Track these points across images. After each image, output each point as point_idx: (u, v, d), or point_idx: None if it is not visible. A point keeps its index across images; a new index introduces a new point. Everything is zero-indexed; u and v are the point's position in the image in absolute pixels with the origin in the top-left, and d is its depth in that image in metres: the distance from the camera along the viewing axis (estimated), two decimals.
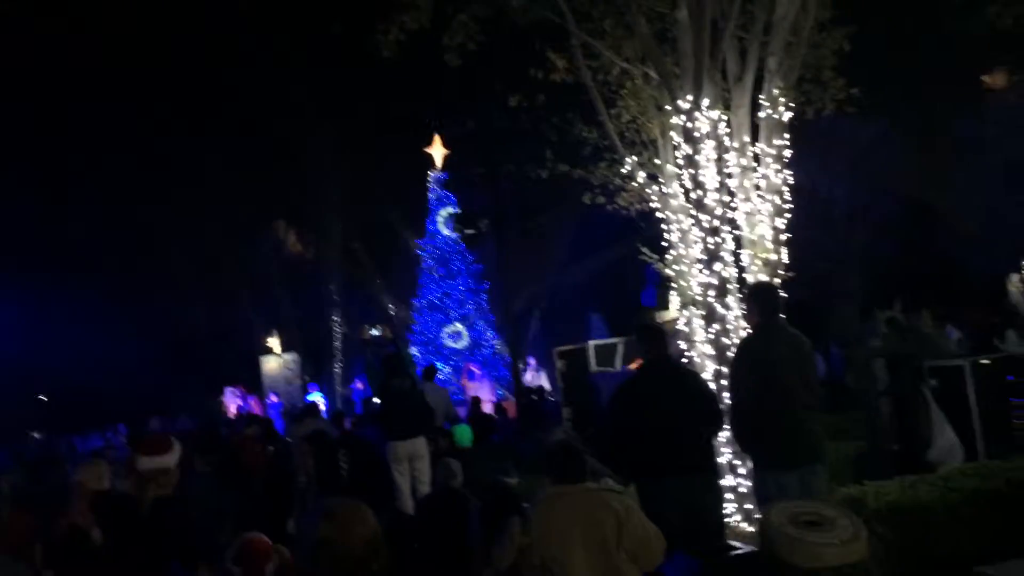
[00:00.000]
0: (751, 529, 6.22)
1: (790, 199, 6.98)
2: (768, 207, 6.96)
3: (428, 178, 20.21)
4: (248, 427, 10.06)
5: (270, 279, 24.81)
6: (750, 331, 5.42)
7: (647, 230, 8.02)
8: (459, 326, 19.61)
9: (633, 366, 9.39)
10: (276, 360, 22.03)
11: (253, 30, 17.88)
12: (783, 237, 6.93)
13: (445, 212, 20.00)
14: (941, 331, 11.50)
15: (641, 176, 7.50)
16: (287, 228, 31.85)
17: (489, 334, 19.86)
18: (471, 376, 16.63)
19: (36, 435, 18.24)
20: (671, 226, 7.43)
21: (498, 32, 7.89)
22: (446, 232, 19.95)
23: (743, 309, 6.64)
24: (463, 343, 19.46)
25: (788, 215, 6.96)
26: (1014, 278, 24.64)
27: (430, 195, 20.24)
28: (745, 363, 5.20)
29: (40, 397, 25.16)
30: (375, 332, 10.18)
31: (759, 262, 6.81)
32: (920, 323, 10.18)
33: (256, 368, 21.42)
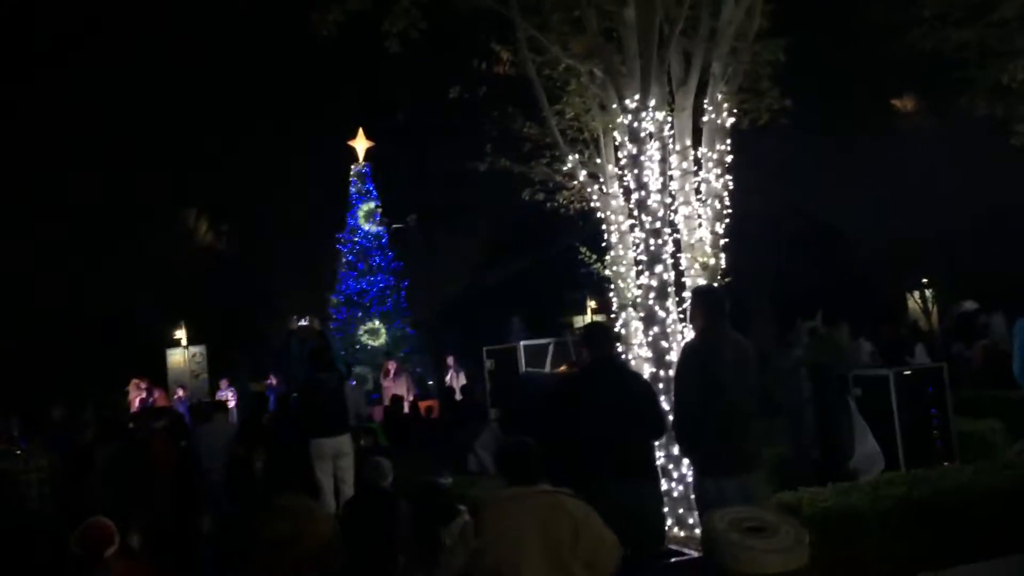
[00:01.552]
0: (683, 535, 6.19)
1: (729, 204, 7.00)
2: (708, 211, 6.97)
3: (351, 171, 19.76)
4: (157, 421, 9.54)
5: (177, 268, 23.89)
6: (694, 335, 5.37)
7: (584, 231, 7.94)
8: (377, 323, 19.25)
9: (562, 369, 9.31)
10: (182, 353, 21.18)
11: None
12: (722, 242, 6.94)
13: (366, 207, 19.61)
14: (856, 343, 11.83)
15: (582, 175, 7.41)
16: (198, 217, 30.75)
17: (408, 332, 19.56)
18: (388, 375, 16.31)
19: None
20: (610, 227, 7.36)
21: (441, 20, 7.68)
22: (367, 227, 19.55)
23: (682, 313, 6.63)
24: (381, 341, 19.10)
25: (728, 220, 6.97)
26: (916, 294, 25.81)
27: (351, 189, 19.80)
28: (690, 367, 5.14)
29: None
30: (303, 322, 9.82)
31: (698, 266, 6.80)
32: (840, 335, 10.43)
33: (161, 360, 20.56)
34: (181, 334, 22.37)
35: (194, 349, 21.34)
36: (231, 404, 14.98)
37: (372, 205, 19.57)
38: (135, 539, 6.35)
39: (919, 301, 25.57)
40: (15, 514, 8.89)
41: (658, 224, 6.53)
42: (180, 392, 17.62)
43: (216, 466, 7.66)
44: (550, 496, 3.48)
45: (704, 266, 6.79)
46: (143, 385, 16.04)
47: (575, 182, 7.51)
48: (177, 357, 21.14)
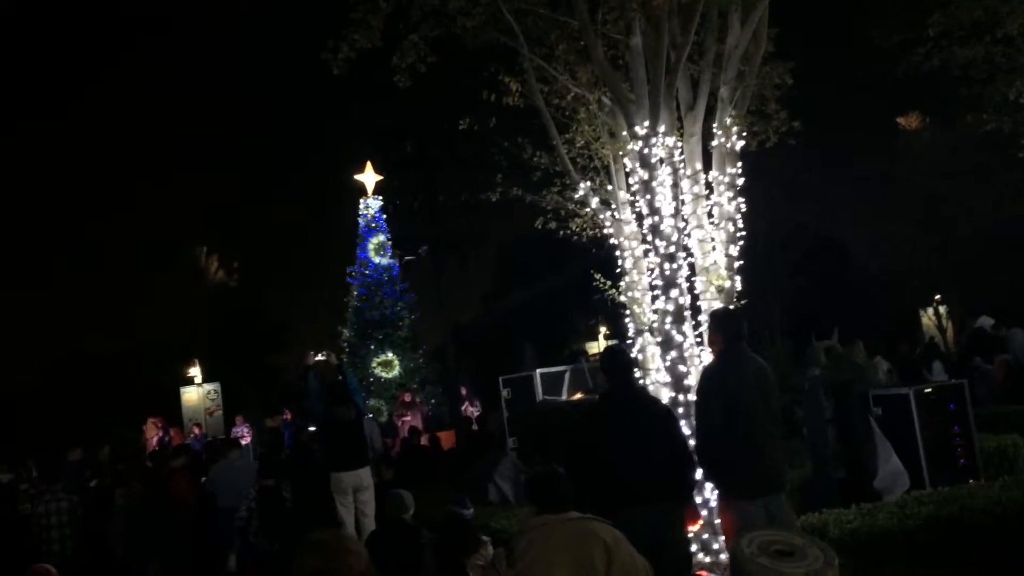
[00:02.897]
0: (708, 560, 6.13)
1: (743, 226, 7.01)
2: (721, 234, 6.98)
3: (360, 205, 19.90)
4: (176, 459, 9.56)
5: (189, 306, 24.09)
6: (713, 358, 5.36)
7: (597, 257, 7.96)
8: (391, 355, 19.26)
9: (577, 397, 9.30)
10: (197, 390, 21.23)
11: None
12: (736, 264, 6.95)
13: (376, 240, 19.71)
14: (871, 362, 11.77)
15: (594, 202, 7.45)
16: (208, 255, 30.98)
17: (421, 363, 19.57)
18: (404, 406, 16.28)
19: None
20: (624, 253, 7.38)
21: (449, 54, 7.77)
22: (377, 260, 19.64)
23: (699, 336, 6.62)
24: (394, 372, 19.10)
25: (741, 242, 6.98)
26: (928, 311, 25.68)
27: (361, 222, 19.92)
28: (710, 390, 5.13)
29: None
30: (320, 357, 9.83)
31: (713, 289, 6.80)
32: (855, 353, 10.39)
33: (176, 399, 20.62)
34: (195, 371, 22.45)
35: (208, 386, 21.40)
36: (246, 440, 14.97)
37: (382, 238, 19.68)
38: None
39: (933, 318, 25.45)
40: (38, 557, 8.88)
41: (672, 248, 6.54)
42: (196, 430, 17.64)
43: (234, 502, 7.65)
44: (581, 522, 3.48)
45: (720, 289, 6.78)
46: (159, 424, 16.08)
47: (587, 209, 7.54)
48: (192, 395, 21.18)
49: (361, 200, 19.86)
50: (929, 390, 7.32)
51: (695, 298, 6.85)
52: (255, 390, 23.30)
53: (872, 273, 27.56)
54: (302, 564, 2.44)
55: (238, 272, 28.45)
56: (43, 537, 8.92)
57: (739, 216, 7.03)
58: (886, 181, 25.13)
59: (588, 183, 7.45)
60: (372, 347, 19.31)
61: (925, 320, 25.42)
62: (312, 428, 10.18)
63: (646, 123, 6.61)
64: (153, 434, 15.55)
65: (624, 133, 6.89)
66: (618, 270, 7.36)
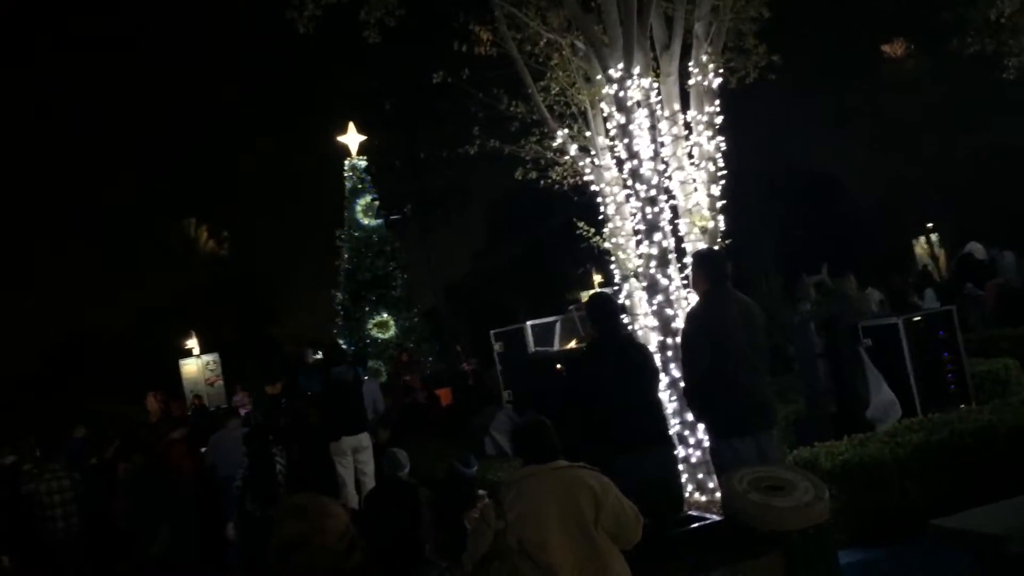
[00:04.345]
0: (704, 499, 6.19)
1: (724, 166, 6.94)
2: (703, 175, 6.92)
3: (344, 166, 19.71)
4: (175, 431, 9.58)
5: (182, 278, 24.02)
6: (698, 299, 5.34)
7: (580, 205, 7.90)
8: (386, 315, 19.26)
9: (571, 345, 9.30)
10: (196, 362, 21.26)
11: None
12: (719, 204, 6.90)
13: (364, 201, 19.56)
14: (863, 294, 11.80)
15: (573, 149, 7.36)
16: (197, 225, 30.78)
17: (416, 322, 19.58)
18: (404, 366, 16.31)
19: None
20: (606, 199, 7.31)
21: (417, 6, 7.61)
22: (366, 221, 19.52)
23: (684, 279, 6.60)
24: (390, 333, 19.12)
25: (723, 181, 6.92)
26: (921, 240, 25.71)
27: (347, 184, 19.75)
28: (697, 331, 5.12)
29: None
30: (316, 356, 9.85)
31: (697, 230, 6.76)
32: (846, 286, 10.40)
33: (176, 371, 20.66)
34: (193, 343, 22.46)
35: (207, 357, 21.42)
36: (246, 410, 15.01)
37: (369, 199, 19.52)
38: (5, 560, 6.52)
39: (926, 247, 25.48)
40: (41, 535, 8.98)
41: (653, 192, 6.48)
42: (196, 402, 17.67)
43: (233, 471, 7.69)
44: (567, 471, 3.48)
45: (703, 230, 6.74)
46: (159, 397, 16.08)
47: (566, 157, 7.46)
48: (191, 366, 21.21)
49: (346, 161, 19.66)
50: (918, 318, 7.32)
51: (680, 240, 6.81)
52: (254, 359, 23.35)
53: (862, 205, 27.51)
54: (281, 529, 2.43)
55: (228, 242, 28.32)
56: (47, 515, 9.00)
57: (720, 155, 6.96)
58: (873, 111, 24.93)
59: (566, 130, 7.36)
60: (367, 309, 19.29)
61: (918, 250, 25.46)
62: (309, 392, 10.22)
63: (620, 65, 6.50)
64: (154, 408, 15.56)
65: (599, 77, 6.78)
66: (601, 216, 7.31)
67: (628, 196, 6.78)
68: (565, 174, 7.66)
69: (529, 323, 8.94)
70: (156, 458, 9.11)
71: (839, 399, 7.65)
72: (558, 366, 7.72)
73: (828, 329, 8.02)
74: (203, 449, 9.37)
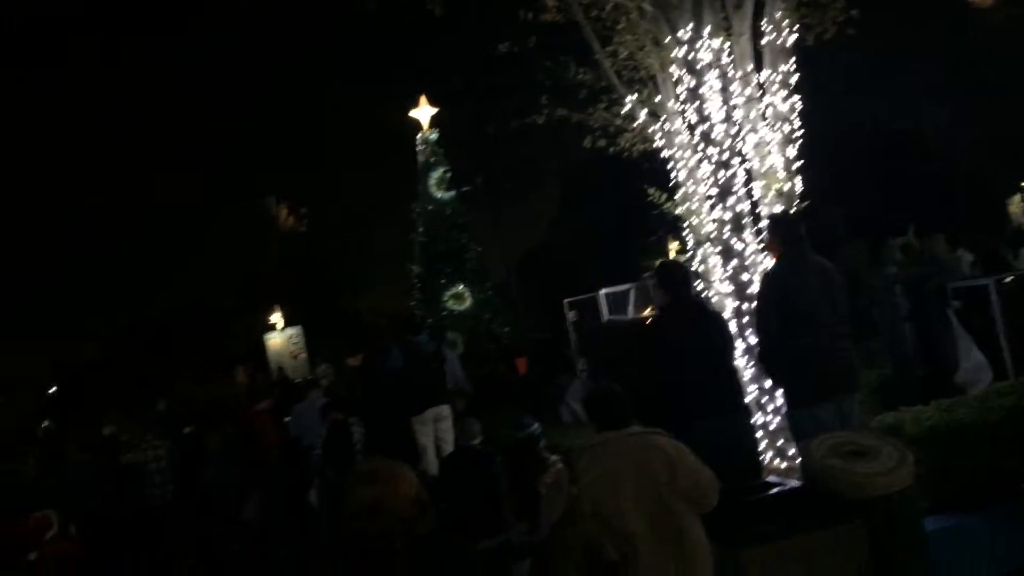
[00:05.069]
0: (784, 466, 6.10)
1: (801, 125, 6.73)
2: (777, 136, 6.72)
3: (416, 141, 19.85)
4: (261, 403, 9.93)
5: (265, 255, 24.67)
6: (773, 263, 5.23)
7: (650, 171, 7.77)
8: (461, 287, 19.42)
9: (646, 313, 9.22)
10: (280, 336, 21.89)
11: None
12: (795, 166, 6.70)
13: (437, 174, 19.68)
14: (954, 254, 11.31)
15: (642, 115, 7.24)
16: (278, 203, 31.54)
17: (491, 293, 19.69)
18: (479, 336, 16.46)
19: (46, 423, 18.20)
20: (677, 164, 7.18)
21: None
22: (439, 194, 19.65)
23: (760, 243, 6.45)
24: (466, 304, 19.28)
25: (799, 143, 6.72)
26: (1015, 198, 24.48)
27: (419, 157, 19.89)
28: (770, 297, 5.02)
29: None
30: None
31: (773, 193, 6.59)
32: (936, 247, 10.01)
33: (261, 345, 21.31)
34: (277, 318, 23.12)
35: (291, 331, 22.02)
36: (328, 381, 15.41)
37: (441, 171, 19.63)
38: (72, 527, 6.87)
39: (1021, 204, 24.24)
40: (142, 502, 9.45)
41: (726, 155, 6.34)
42: (280, 375, 18.23)
43: (314, 441, 7.92)
44: (642, 437, 3.47)
45: (779, 193, 6.57)
46: (248, 370, 16.68)
47: (635, 123, 7.33)
48: (276, 340, 21.84)
49: (418, 135, 19.79)
50: (1010, 279, 7.00)
51: (755, 204, 6.66)
52: (335, 332, 23.88)
53: (950, 164, 26.36)
54: (355, 493, 2.51)
55: (307, 218, 28.92)
56: (145, 483, 9.47)
57: (795, 116, 6.75)
58: (961, 65, 23.77)
59: (635, 96, 7.23)
60: (443, 281, 19.48)
61: (1012, 208, 24.25)
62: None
63: (690, 26, 6.35)
64: (243, 380, 16.15)
65: (668, 40, 6.64)
66: (672, 183, 7.18)
67: (700, 161, 6.64)
68: (635, 140, 7.54)
69: (603, 291, 8.91)
70: (244, 428, 9.44)
71: (927, 363, 7.42)
72: (646, 312, 7.64)
73: (915, 292, 7.76)
74: (287, 419, 9.68)
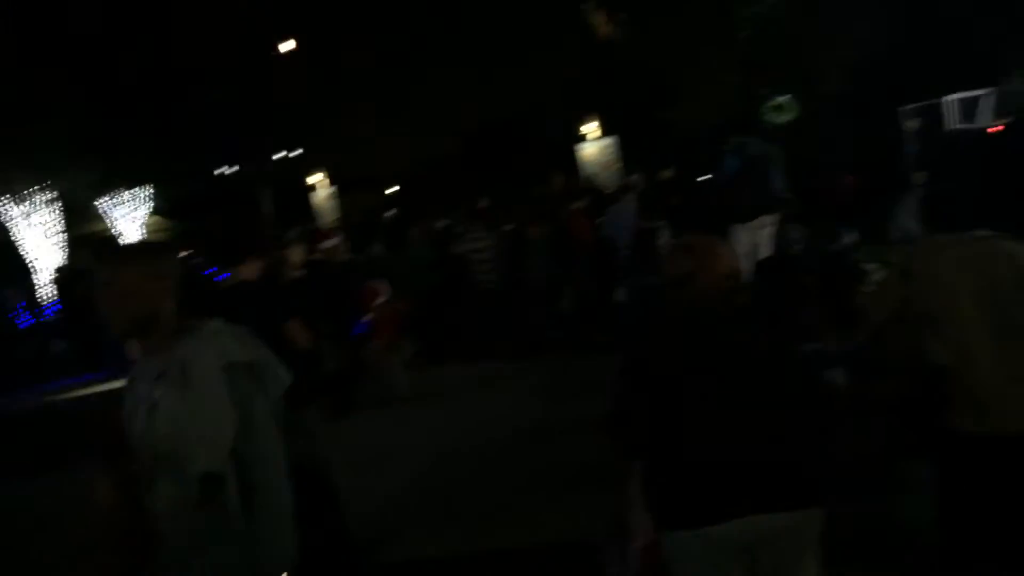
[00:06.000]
0: None
1: None
2: None
3: None
4: (576, 202, 10.34)
5: (582, 63, 24.69)
6: None
7: None
8: (782, 99, 18.18)
9: (999, 127, 8.05)
10: (594, 146, 22.23)
11: None
12: None
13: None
14: None
15: None
16: (595, 9, 31.10)
17: (817, 103, 18.24)
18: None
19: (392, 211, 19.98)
20: None
21: None
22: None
23: None
24: (789, 115, 18.10)
25: None
26: None
27: None
28: None
29: None
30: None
31: None
32: None
33: (571, 154, 21.85)
34: (591, 127, 23.43)
35: (606, 140, 22.25)
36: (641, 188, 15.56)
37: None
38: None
39: None
40: (472, 287, 10.54)
41: None
42: (592, 182, 18.72)
43: (625, 241, 8.13)
44: (988, 241, 3.09)
45: None
46: (559, 178, 17.29)
47: None
48: (590, 149, 22.25)
49: None
50: None
51: None
52: (649, 143, 23.75)
53: None
54: (675, 262, 2.64)
55: (625, 25, 28.22)
56: (472, 270, 10.47)
57: None
58: None
59: None
60: (764, 91, 18.38)
61: None
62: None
63: None
64: (560, 184, 16.79)
65: None
66: None
67: None
68: None
69: (949, 97, 7.88)
70: (561, 225, 9.95)
71: None
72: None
73: None
74: (599, 220, 10.01)
